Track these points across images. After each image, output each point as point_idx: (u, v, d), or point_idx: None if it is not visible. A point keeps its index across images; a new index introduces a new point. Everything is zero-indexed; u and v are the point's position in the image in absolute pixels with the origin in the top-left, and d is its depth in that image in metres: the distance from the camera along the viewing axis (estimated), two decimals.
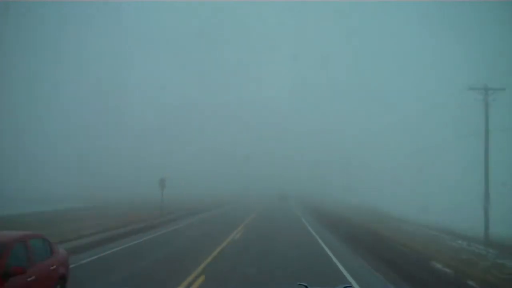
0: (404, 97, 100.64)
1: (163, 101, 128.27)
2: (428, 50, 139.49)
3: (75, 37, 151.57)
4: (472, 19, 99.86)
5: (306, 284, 4.58)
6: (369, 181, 74.00)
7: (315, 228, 23.90)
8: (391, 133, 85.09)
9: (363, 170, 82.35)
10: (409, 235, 22.15)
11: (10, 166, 76.94)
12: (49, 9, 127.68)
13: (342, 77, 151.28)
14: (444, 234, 24.43)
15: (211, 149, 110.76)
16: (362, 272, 11.70)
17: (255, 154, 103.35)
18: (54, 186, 69.68)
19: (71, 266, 8.92)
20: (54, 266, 7.50)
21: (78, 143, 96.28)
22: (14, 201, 38.70)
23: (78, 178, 78.19)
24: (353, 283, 9.92)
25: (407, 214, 37.13)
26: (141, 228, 21.04)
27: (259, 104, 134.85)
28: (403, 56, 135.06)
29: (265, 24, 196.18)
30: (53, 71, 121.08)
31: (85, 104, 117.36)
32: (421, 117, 78.51)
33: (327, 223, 26.83)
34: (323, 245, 16.96)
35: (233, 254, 14.07)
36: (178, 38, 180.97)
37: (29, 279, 6.47)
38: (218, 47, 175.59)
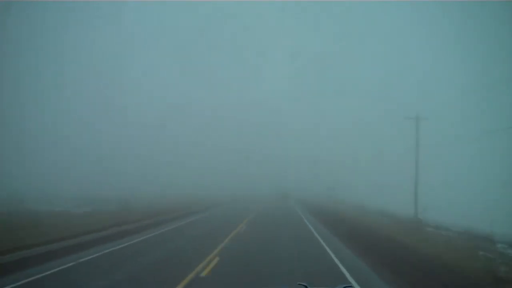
0: (404, 97, 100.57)
1: (162, 101, 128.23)
2: (428, 50, 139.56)
3: (75, 36, 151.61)
4: (472, 19, 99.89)
5: (306, 284, 4.48)
6: (368, 181, 73.64)
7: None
8: (391, 132, 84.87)
9: (362, 170, 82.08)
10: None
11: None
12: (49, 9, 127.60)
13: (342, 77, 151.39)
14: None
15: (210, 149, 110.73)
16: None
17: (255, 154, 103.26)
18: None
19: None
20: None
21: (77, 143, 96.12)
22: None
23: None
24: None
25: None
26: None
27: (259, 103, 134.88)
28: (403, 55, 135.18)
29: (265, 24, 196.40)
30: (53, 71, 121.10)
31: (85, 104, 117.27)
32: (422, 117, 78.15)
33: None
34: None
35: None
36: (178, 38, 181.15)
37: None
38: (218, 47, 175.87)
